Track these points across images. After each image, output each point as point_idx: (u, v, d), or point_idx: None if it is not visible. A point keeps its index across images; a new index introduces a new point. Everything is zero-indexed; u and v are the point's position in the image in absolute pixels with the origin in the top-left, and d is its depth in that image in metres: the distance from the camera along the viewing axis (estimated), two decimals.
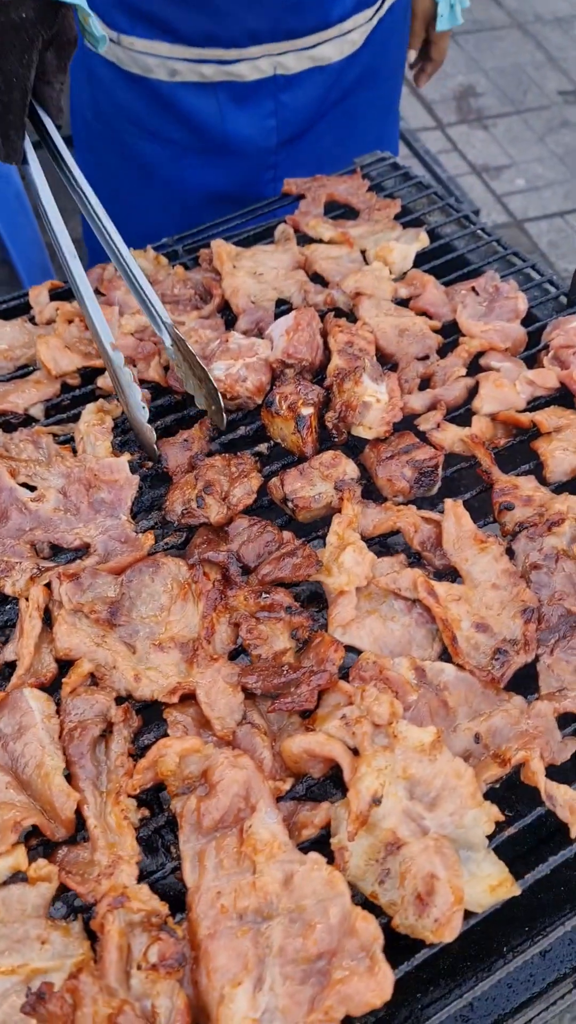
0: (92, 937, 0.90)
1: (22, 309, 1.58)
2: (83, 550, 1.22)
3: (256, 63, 1.78)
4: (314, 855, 0.91)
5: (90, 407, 1.37)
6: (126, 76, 1.85)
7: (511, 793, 1.10)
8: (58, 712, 1.04)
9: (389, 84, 2.12)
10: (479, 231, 1.70)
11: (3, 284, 3.74)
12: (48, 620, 1.12)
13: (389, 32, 1.98)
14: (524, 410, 1.38)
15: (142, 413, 1.28)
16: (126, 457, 1.30)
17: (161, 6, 1.72)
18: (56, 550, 1.23)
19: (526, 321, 1.53)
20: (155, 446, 1.32)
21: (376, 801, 0.95)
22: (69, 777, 0.99)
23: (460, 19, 2.05)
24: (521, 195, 4.35)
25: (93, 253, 2.29)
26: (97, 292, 1.56)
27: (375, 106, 2.08)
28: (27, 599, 1.12)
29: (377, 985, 0.85)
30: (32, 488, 1.27)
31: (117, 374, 1.26)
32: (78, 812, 0.97)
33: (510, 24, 5.31)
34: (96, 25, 1.24)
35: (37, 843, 0.97)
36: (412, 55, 2.26)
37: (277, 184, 1.96)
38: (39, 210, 1.29)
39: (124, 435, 1.38)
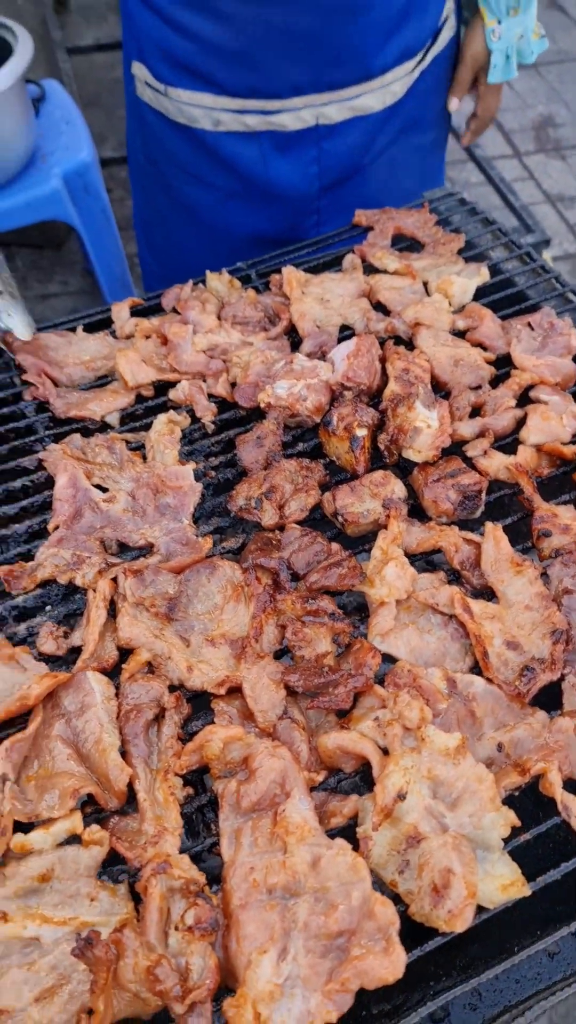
0: (136, 899, 0.99)
1: (104, 323, 1.69)
2: (147, 549, 1.32)
3: (298, 113, 1.83)
4: (340, 841, 0.98)
5: (161, 417, 1.48)
6: (172, 125, 1.92)
7: (539, 809, 1.16)
8: (117, 695, 1.14)
9: (433, 130, 2.12)
10: (539, 268, 1.76)
11: (86, 293, 3.91)
12: (113, 611, 1.22)
13: (433, 82, 1.99)
14: (569, 443, 1.44)
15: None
16: (191, 466, 1.40)
17: (206, 61, 1.78)
18: (123, 547, 1.33)
19: None
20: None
21: (401, 796, 1.02)
22: (123, 754, 1.08)
23: (515, 71, 1.96)
24: None
25: (147, 272, 2.37)
26: (173, 311, 1.68)
27: (419, 152, 2.10)
28: (95, 591, 1.22)
29: (391, 964, 0.91)
30: (104, 490, 1.38)
31: None
32: (130, 786, 1.06)
33: None
34: None
35: (92, 811, 1.07)
36: (455, 103, 2.06)
37: (320, 228, 2.03)
38: None
39: (191, 445, 1.49)
